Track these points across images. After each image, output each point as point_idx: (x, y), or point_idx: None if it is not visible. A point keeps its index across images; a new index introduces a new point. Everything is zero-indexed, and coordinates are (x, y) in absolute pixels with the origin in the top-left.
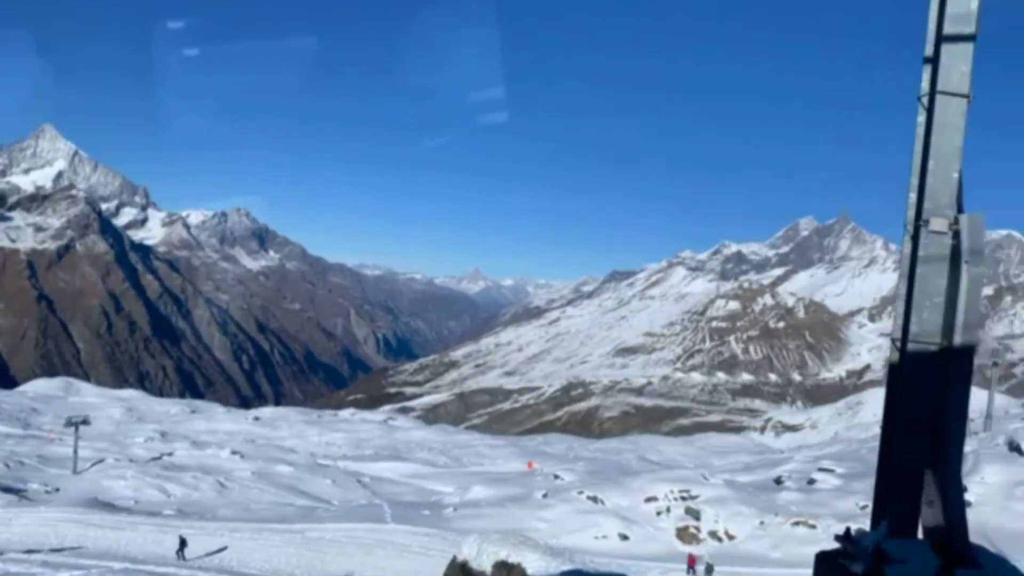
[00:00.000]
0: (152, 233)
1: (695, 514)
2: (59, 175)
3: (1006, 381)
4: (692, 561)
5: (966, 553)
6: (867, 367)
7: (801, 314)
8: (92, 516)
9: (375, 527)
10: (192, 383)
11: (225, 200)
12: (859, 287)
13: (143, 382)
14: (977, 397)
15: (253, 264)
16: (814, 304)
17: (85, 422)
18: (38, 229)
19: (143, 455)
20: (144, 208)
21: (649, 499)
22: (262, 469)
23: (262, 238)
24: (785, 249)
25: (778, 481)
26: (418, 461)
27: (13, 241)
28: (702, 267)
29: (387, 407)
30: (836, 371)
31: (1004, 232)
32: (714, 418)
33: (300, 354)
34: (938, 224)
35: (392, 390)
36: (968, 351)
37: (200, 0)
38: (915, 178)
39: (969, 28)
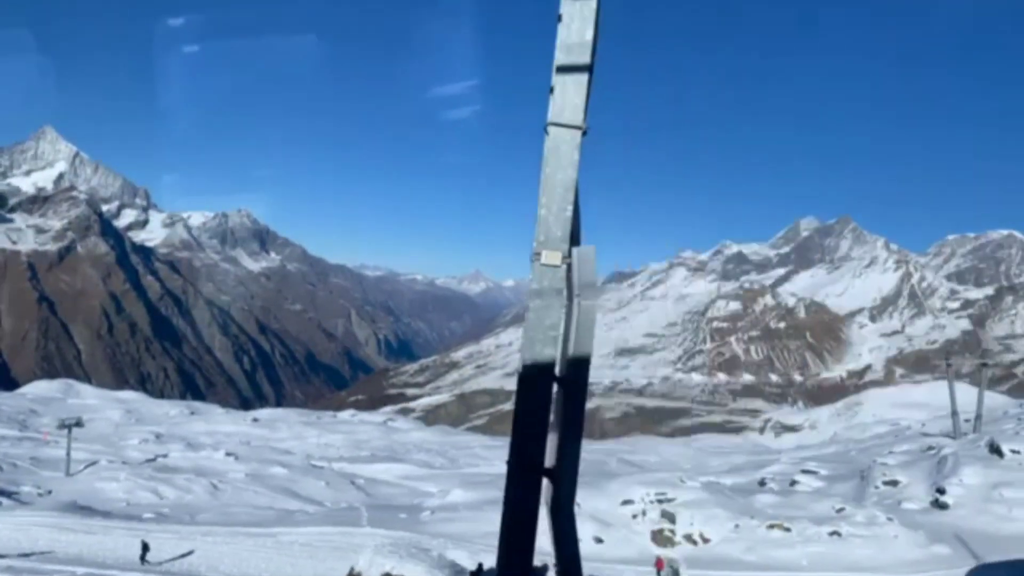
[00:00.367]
0: (153, 234)
1: (670, 517)
2: (60, 177)
3: (1007, 381)
4: (660, 565)
5: None
6: (868, 367)
7: (802, 314)
8: (66, 520)
9: (349, 531)
10: (193, 384)
11: (226, 201)
12: (860, 287)
13: (144, 383)
14: (973, 397)
15: (254, 265)
16: (815, 304)
17: (78, 424)
18: (39, 231)
19: (137, 457)
20: (145, 209)
21: (625, 502)
22: (256, 471)
23: (263, 239)
24: (786, 249)
25: (762, 483)
26: (414, 463)
27: (14, 243)
28: (703, 267)
29: (388, 408)
30: (837, 371)
31: (1005, 232)
32: (715, 419)
33: (301, 355)
34: (550, 258)
35: (393, 391)
36: (580, 386)
37: (200, 3)
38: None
39: (584, 58)
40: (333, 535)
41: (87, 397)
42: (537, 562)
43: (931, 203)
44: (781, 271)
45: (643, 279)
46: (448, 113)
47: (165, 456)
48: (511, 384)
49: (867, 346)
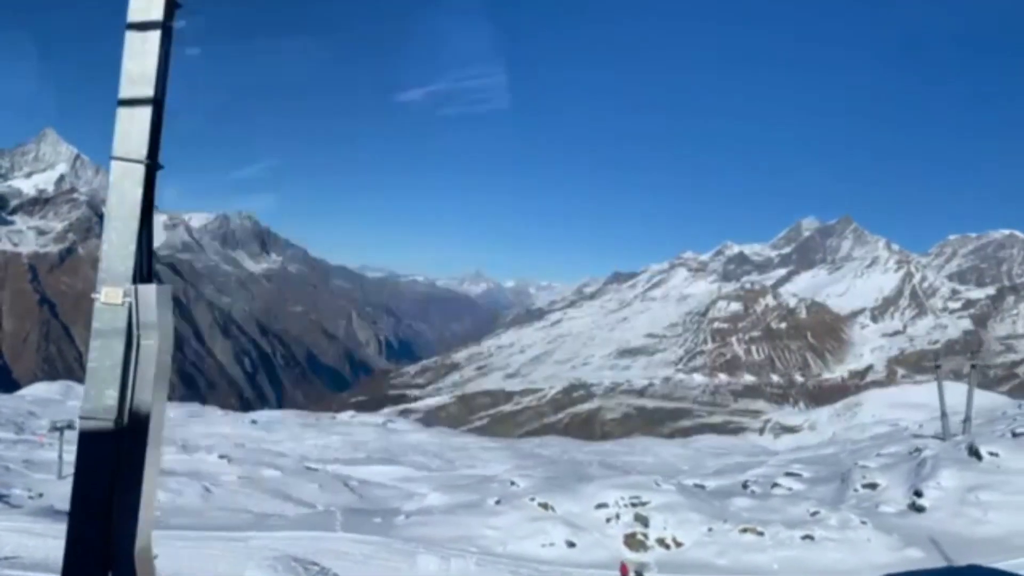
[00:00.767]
0: (154, 236)
1: (644, 521)
2: (61, 178)
3: (1008, 382)
4: (624, 570)
5: None
6: (870, 367)
7: (803, 315)
8: (37, 525)
9: (321, 535)
10: (194, 386)
11: (227, 203)
12: (861, 287)
13: None
14: (974, 397)
15: (255, 267)
16: (816, 305)
17: (70, 427)
18: (40, 232)
19: None
20: None
21: (600, 505)
22: (249, 473)
23: (264, 241)
24: (787, 250)
25: (744, 486)
26: (410, 464)
27: (15, 245)
28: (704, 268)
29: (389, 409)
30: (838, 372)
31: (1007, 232)
32: (716, 419)
33: (302, 357)
34: (111, 295)
35: (394, 392)
36: (143, 427)
37: (201, 6)
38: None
39: (148, 91)
40: (304, 540)
41: None
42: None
43: (932, 203)
44: (782, 271)
45: (644, 280)
46: (449, 114)
47: None
48: (512, 385)
49: (868, 346)
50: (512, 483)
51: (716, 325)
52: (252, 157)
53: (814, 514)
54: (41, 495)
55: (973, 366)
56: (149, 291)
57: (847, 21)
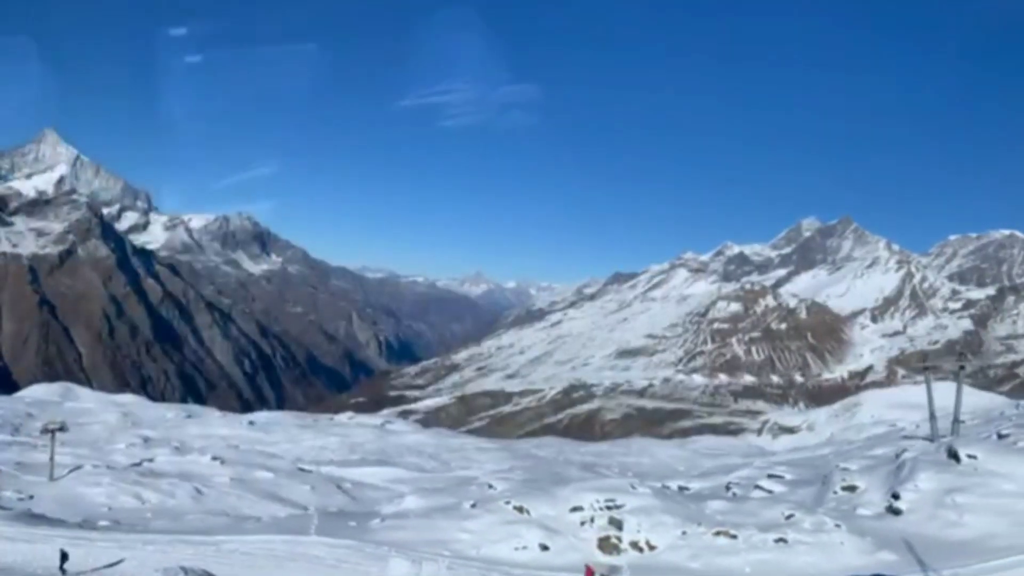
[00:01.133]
0: (154, 237)
1: (618, 524)
2: (61, 180)
3: (1009, 382)
4: (589, 573)
5: None
6: (870, 368)
7: (803, 315)
8: (10, 529)
9: (294, 539)
10: (194, 387)
11: (227, 204)
12: (861, 288)
13: (145, 386)
14: (972, 398)
15: (255, 268)
16: (816, 305)
17: (62, 429)
18: (40, 234)
19: (123, 461)
20: (146, 212)
21: (575, 508)
22: (241, 475)
23: (264, 242)
24: (788, 250)
25: (727, 488)
26: (405, 466)
27: (15, 246)
28: (704, 268)
29: (389, 410)
30: (838, 372)
31: (1007, 232)
32: (716, 420)
33: (302, 358)
34: None
35: (394, 393)
36: None
37: (202, 5)
38: None
39: None
40: (277, 543)
41: (85, 400)
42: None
43: (933, 203)
44: (782, 272)
45: (644, 280)
46: (448, 115)
47: (151, 460)
48: (512, 386)
49: (868, 347)
50: (490, 486)
51: (716, 325)
52: (253, 159)
53: (789, 517)
54: (31, 497)
55: (961, 367)
56: None
57: (847, 21)
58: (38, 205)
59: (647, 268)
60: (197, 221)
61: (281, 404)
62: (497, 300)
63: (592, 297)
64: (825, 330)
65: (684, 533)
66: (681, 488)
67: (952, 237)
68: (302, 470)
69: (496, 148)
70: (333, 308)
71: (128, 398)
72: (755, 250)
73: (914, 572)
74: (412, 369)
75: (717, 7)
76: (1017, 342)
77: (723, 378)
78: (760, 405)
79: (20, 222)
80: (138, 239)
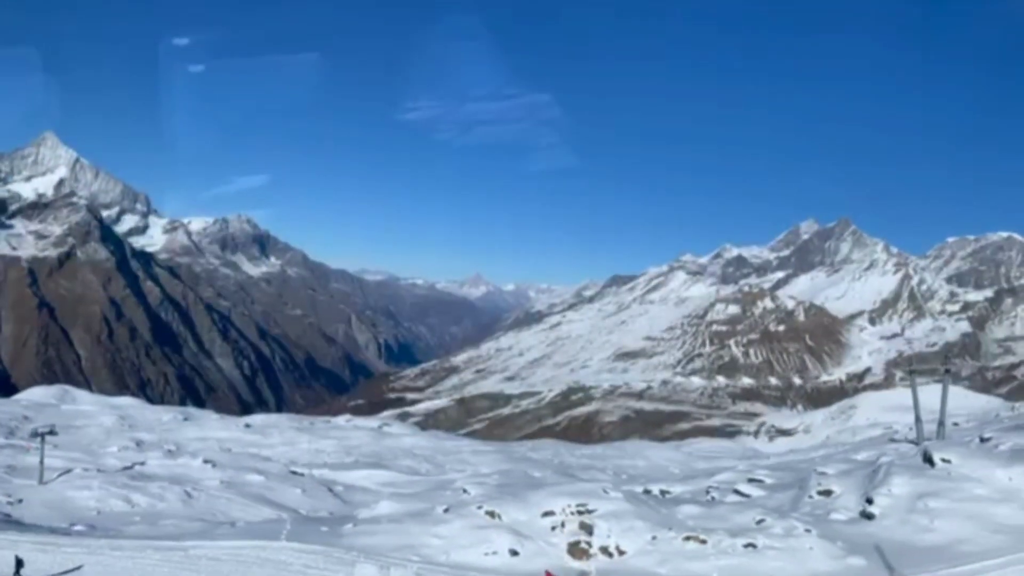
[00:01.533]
0: (153, 240)
1: (588, 529)
2: (60, 182)
3: (1007, 384)
4: None
5: None
6: (867, 370)
7: (801, 317)
8: None
9: (264, 544)
10: (193, 390)
11: (226, 206)
12: (859, 290)
13: (144, 389)
14: (968, 400)
15: (254, 270)
16: (814, 307)
17: (51, 432)
18: (39, 236)
19: (115, 464)
20: (145, 215)
21: (546, 513)
22: (232, 478)
23: (263, 244)
24: (786, 252)
25: (707, 492)
26: (398, 469)
27: (14, 249)
28: (703, 271)
29: (387, 413)
30: (836, 374)
31: (1005, 234)
32: (714, 422)
33: (301, 360)
34: None
35: (393, 396)
36: None
37: (202, 9)
38: None
39: None
40: (246, 549)
41: (82, 403)
42: None
43: (931, 206)
44: (781, 274)
45: (642, 283)
46: (447, 120)
47: (143, 463)
48: (511, 388)
49: (866, 349)
50: (464, 491)
51: (714, 328)
52: (253, 163)
53: (759, 522)
54: (21, 501)
55: (947, 371)
56: None
57: (846, 24)
58: (37, 208)
59: (646, 270)
60: (196, 224)
61: (280, 406)
62: (496, 302)
63: (591, 299)
64: (823, 332)
65: (654, 538)
66: (663, 492)
67: (950, 239)
68: (294, 473)
69: (495, 151)
70: (332, 310)
71: (125, 401)
72: (753, 252)
73: None
74: (411, 371)
75: (716, 12)
76: (1015, 344)
77: (721, 380)
78: (758, 407)
79: (20, 224)
80: (137, 242)
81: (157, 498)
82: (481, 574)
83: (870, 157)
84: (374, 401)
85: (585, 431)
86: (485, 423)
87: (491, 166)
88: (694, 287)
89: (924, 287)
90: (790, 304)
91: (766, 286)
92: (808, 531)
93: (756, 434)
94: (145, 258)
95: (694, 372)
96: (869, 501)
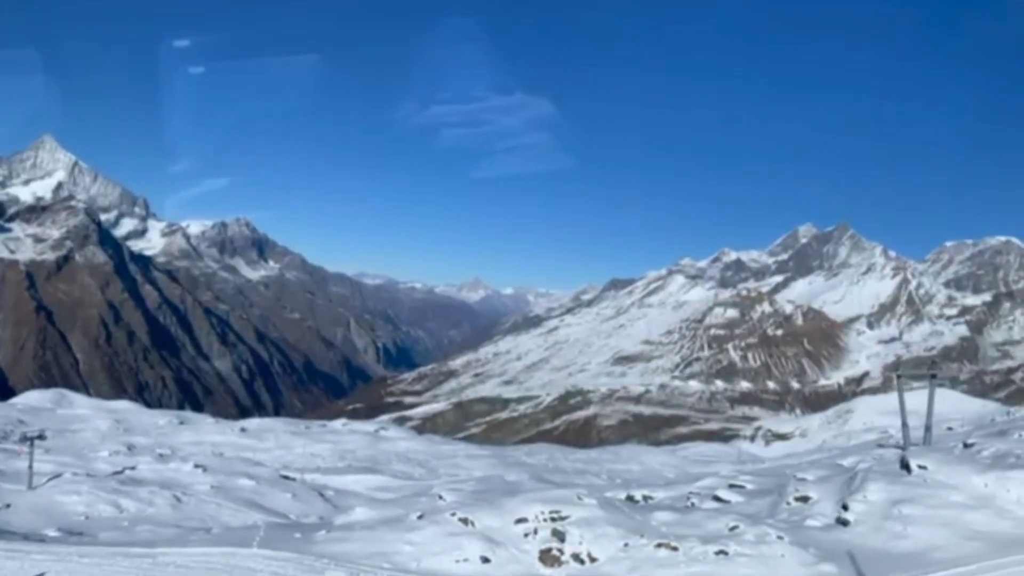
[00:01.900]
0: (152, 243)
1: (560, 536)
2: (59, 186)
3: (1005, 388)
4: None
5: None
6: (866, 374)
7: (799, 321)
8: None
9: (234, 551)
10: (191, 393)
11: (225, 210)
12: (857, 294)
13: (142, 392)
14: (965, 404)
15: (253, 274)
16: (812, 311)
17: (40, 437)
18: (37, 240)
19: (105, 469)
20: (144, 219)
21: (519, 520)
22: (223, 483)
23: (262, 248)
24: (784, 256)
25: (688, 498)
26: (391, 473)
27: (12, 252)
28: (702, 275)
29: (385, 416)
30: (835, 378)
31: (1003, 238)
32: (712, 426)
33: (299, 364)
34: None
35: (391, 399)
36: None
37: (202, 11)
38: None
39: None
40: (216, 556)
41: (78, 407)
42: None
43: (929, 210)
44: (779, 278)
45: (641, 286)
46: (446, 123)
47: (133, 468)
48: (509, 392)
49: (865, 353)
50: (440, 497)
51: (713, 332)
52: (252, 166)
53: (732, 529)
54: (8, 506)
55: (932, 375)
56: None
57: (844, 28)
58: (36, 211)
59: (644, 274)
60: (195, 227)
61: (278, 410)
62: (495, 306)
63: (589, 303)
64: (821, 336)
65: (626, 545)
66: (646, 497)
67: (948, 243)
68: (285, 477)
69: (494, 155)
70: (331, 314)
71: (122, 405)
72: (752, 256)
73: None
74: (409, 375)
75: (715, 16)
76: (1013, 348)
77: (720, 384)
78: (756, 411)
79: (18, 228)
80: (136, 245)
81: (146, 503)
82: None
83: (869, 161)
84: (372, 405)
85: (583, 435)
86: (483, 427)
87: (490, 170)
88: (693, 291)
89: (922, 291)
90: (788, 308)
91: (764, 290)
92: (780, 538)
93: (752, 438)
94: (143, 262)
95: (692, 376)
96: (845, 507)
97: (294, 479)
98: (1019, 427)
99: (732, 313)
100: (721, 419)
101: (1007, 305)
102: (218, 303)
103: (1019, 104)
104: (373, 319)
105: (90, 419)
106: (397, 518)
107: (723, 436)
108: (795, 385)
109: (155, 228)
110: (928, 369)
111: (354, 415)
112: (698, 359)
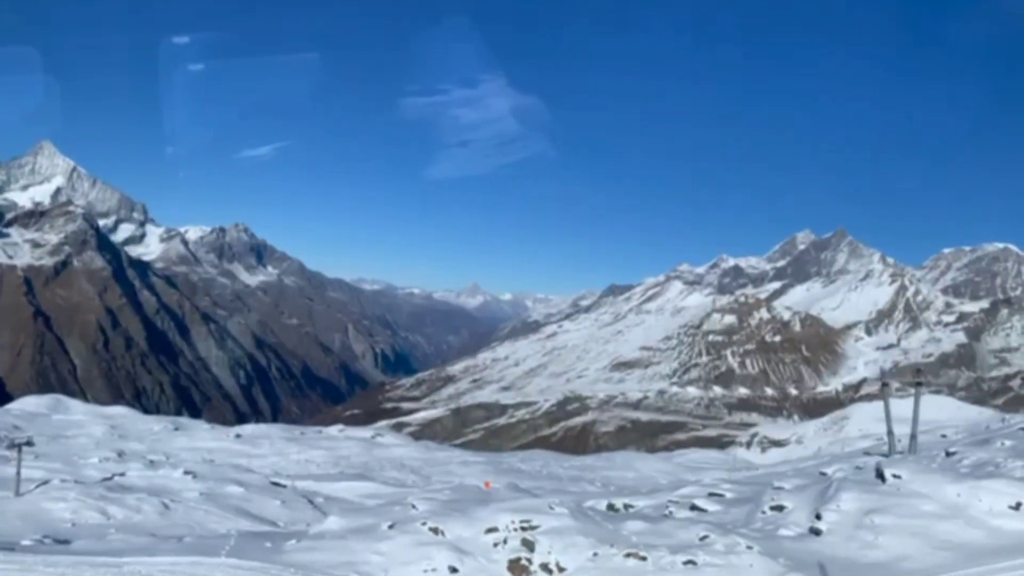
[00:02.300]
0: (150, 249)
1: (530, 545)
2: (57, 191)
3: (1003, 395)
4: None
5: None
6: (864, 381)
7: (797, 328)
8: None
9: (200, 560)
10: (189, 399)
11: (223, 215)
12: (855, 300)
13: (140, 398)
14: (962, 411)
15: (251, 279)
16: (810, 318)
17: (28, 443)
18: (35, 245)
19: (94, 475)
20: (142, 224)
21: (490, 530)
22: (212, 489)
23: (260, 253)
24: (782, 263)
25: (667, 506)
26: (384, 480)
27: (10, 257)
28: (700, 281)
29: (383, 422)
30: (833, 385)
31: (1001, 245)
32: (710, 433)
33: (298, 369)
34: None
35: (389, 405)
36: None
37: (201, 20)
38: None
39: None
40: (183, 565)
41: (74, 413)
42: None
43: (927, 216)
44: (777, 284)
45: (639, 293)
46: (446, 127)
47: (123, 475)
48: (507, 398)
49: (862, 359)
50: (413, 506)
51: (711, 338)
52: (249, 170)
53: (703, 538)
54: None
55: (919, 383)
56: None
57: (843, 34)
58: (34, 216)
59: (642, 280)
60: (193, 233)
61: (276, 416)
62: (493, 312)
63: (587, 309)
64: (819, 343)
65: (595, 555)
66: (626, 506)
67: (946, 250)
68: (276, 484)
69: (494, 159)
70: (329, 320)
71: (118, 410)
72: (750, 263)
73: None
74: (407, 381)
75: (712, 22)
76: (1011, 355)
77: (717, 390)
78: (754, 418)
79: (16, 233)
80: (134, 251)
81: (134, 510)
82: None
83: (867, 168)
84: (370, 411)
85: (581, 441)
86: (480, 433)
87: (489, 176)
88: (691, 297)
89: (920, 298)
90: (786, 314)
91: (762, 296)
92: (750, 548)
93: (748, 445)
94: (142, 267)
95: (690, 382)
96: (818, 517)
97: (284, 486)
98: (1003, 435)
99: (730, 319)
100: (719, 425)
101: (1005, 312)
102: (216, 308)
103: (1017, 112)
104: (371, 325)
105: (85, 425)
106: (368, 527)
107: (721, 442)
108: (793, 391)
109: (153, 233)
110: (913, 377)
111: (352, 421)
112: (696, 365)
